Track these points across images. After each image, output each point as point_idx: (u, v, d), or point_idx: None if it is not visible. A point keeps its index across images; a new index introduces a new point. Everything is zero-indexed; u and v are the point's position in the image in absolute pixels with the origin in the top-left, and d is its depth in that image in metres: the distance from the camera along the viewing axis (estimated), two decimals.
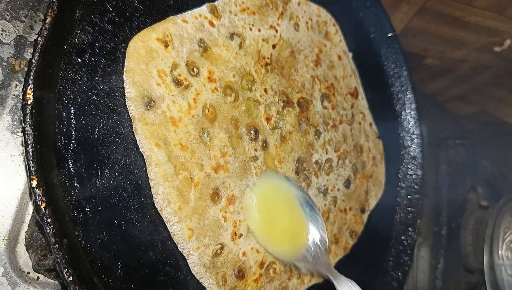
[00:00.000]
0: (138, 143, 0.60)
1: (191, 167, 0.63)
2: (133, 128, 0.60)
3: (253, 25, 0.76)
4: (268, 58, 0.78)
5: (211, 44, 0.69)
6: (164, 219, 0.61)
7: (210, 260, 0.64)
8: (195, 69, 0.67)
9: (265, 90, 0.76)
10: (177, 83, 0.64)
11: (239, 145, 0.70)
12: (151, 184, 0.60)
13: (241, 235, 0.68)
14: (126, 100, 0.59)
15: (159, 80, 0.62)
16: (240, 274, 0.68)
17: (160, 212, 0.60)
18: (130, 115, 0.60)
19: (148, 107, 0.60)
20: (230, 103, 0.70)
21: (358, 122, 0.97)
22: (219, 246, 0.65)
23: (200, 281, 0.64)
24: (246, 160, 0.71)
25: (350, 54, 0.98)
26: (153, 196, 0.60)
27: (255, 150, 0.72)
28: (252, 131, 0.72)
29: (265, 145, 0.74)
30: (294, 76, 0.83)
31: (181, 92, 0.64)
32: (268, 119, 0.75)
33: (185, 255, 0.62)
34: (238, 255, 0.68)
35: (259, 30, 0.77)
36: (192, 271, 0.63)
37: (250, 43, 0.75)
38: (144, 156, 0.60)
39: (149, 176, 0.60)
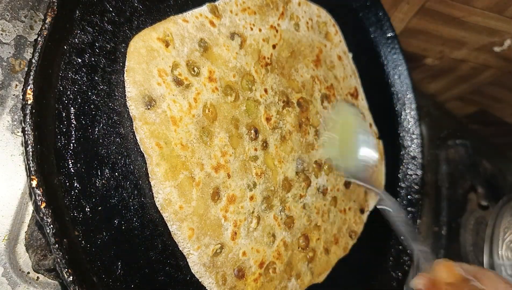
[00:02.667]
0: (138, 143, 0.60)
1: (192, 166, 0.63)
2: (134, 128, 0.60)
3: (254, 25, 0.76)
4: (268, 58, 0.78)
5: (212, 44, 0.69)
6: (165, 219, 0.61)
7: (210, 260, 0.64)
8: (195, 68, 0.67)
9: (265, 90, 0.76)
10: (178, 82, 0.64)
11: (239, 145, 0.70)
12: (152, 183, 0.60)
13: (241, 234, 0.68)
14: (127, 99, 0.59)
15: (160, 80, 0.62)
16: (240, 274, 0.68)
17: (160, 211, 0.60)
18: (131, 114, 0.60)
19: (149, 107, 0.60)
20: (231, 103, 0.70)
21: None
22: (219, 245, 0.65)
23: (200, 280, 0.64)
24: (246, 160, 0.71)
25: (350, 55, 0.98)
26: (153, 195, 0.60)
27: (255, 150, 0.72)
28: (252, 131, 0.72)
29: (265, 145, 0.74)
30: (294, 76, 0.83)
31: (182, 91, 0.64)
32: (268, 119, 0.75)
33: (185, 254, 0.62)
34: (238, 254, 0.68)
35: (260, 30, 0.77)
36: (192, 270, 0.63)
37: (250, 42, 0.75)
38: (145, 156, 0.60)
39: (149, 175, 0.60)
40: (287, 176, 0.77)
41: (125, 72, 0.60)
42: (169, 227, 0.61)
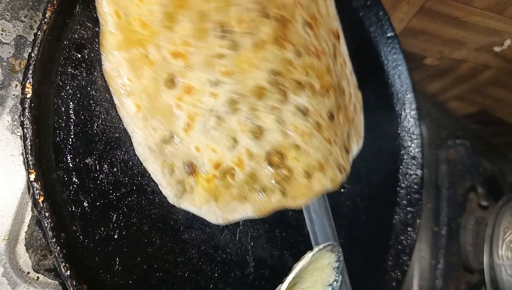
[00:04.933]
0: (97, 7, 0.58)
1: (148, 45, 0.61)
2: None
3: None
4: None
5: None
6: (112, 92, 0.59)
7: (156, 144, 0.61)
8: None
9: None
10: None
11: (204, 40, 0.66)
12: (102, 53, 0.58)
13: (195, 129, 0.65)
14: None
15: None
16: (190, 169, 0.64)
17: (107, 81, 0.58)
18: None
19: None
20: None
21: (340, 64, 0.92)
22: (169, 132, 0.62)
23: (144, 164, 0.61)
24: (210, 55, 0.67)
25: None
26: (103, 65, 0.58)
27: (221, 47, 0.68)
28: (220, 29, 0.68)
29: (233, 46, 0.69)
30: None
31: None
32: (239, 22, 0.70)
33: (129, 132, 0.60)
34: (189, 148, 0.64)
35: None
36: (136, 152, 0.60)
37: None
38: (100, 20, 0.58)
39: (101, 43, 0.58)
40: (258, 83, 0.71)
41: None
42: (115, 100, 0.59)
